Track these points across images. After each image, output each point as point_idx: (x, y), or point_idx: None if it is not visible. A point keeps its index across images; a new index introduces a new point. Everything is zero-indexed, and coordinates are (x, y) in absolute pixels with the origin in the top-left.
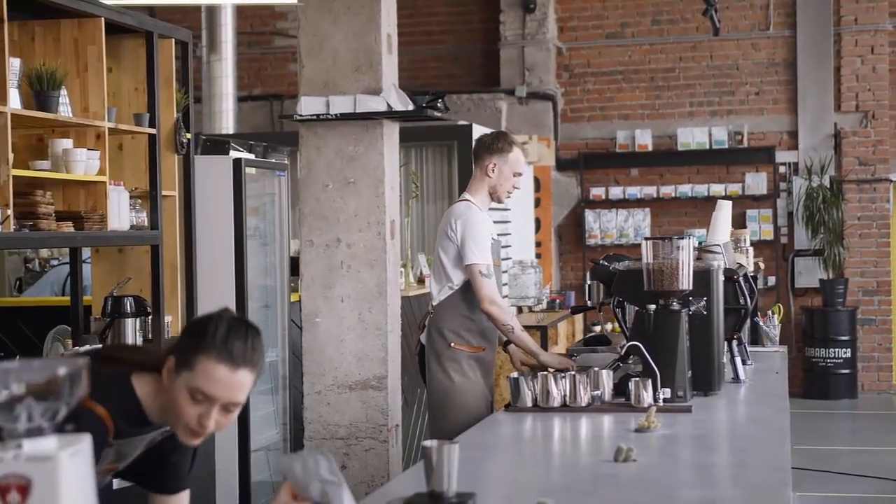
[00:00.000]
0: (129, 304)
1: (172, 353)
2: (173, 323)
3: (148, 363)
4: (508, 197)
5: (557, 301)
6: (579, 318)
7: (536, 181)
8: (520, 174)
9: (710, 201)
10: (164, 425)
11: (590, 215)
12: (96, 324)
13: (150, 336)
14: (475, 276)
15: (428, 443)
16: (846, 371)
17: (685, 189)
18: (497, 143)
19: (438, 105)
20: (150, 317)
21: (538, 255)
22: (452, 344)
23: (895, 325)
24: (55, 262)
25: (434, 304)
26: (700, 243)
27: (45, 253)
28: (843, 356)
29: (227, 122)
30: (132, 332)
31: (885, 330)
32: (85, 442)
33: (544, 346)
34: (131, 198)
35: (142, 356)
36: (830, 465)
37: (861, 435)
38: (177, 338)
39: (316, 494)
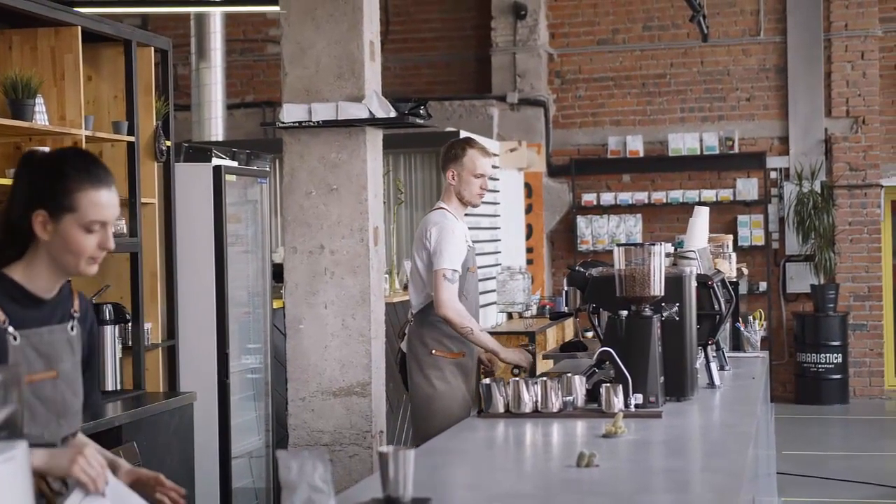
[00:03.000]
0: (108, 312)
1: (36, 207)
2: (153, 330)
3: (8, 256)
4: (481, 198)
5: (548, 307)
6: (570, 323)
7: (528, 187)
8: (482, 175)
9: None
10: (58, 299)
11: (581, 221)
12: None
13: (129, 343)
14: (438, 280)
15: (383, 449)
16: (837, 376)
17: (676, 195)
18: (451, 150)
19: (421, 112)
20: (129, 324)
21: (530, 262)
22: (434, 351)
23: (886, 330)
24: None
25: (414, 312)
26: (676, 249)
27: None
28: (835, 361)
29: (216, 129)
30: (111, 339)
31: (877, 335)
32: (19, 449)
33: (532, 354)
34: None
35: None
36: (821, 471)
37: (852, 440)
38: (22, 197)
39: (299, 501)
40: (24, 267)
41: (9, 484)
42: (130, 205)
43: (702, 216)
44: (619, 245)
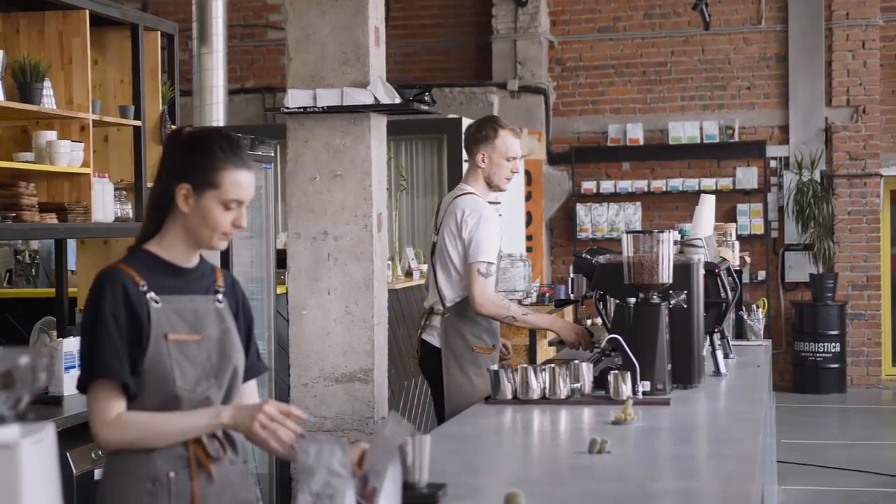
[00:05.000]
0: None
1: (181, 181)
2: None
3: (148, 232)
4: (508, 182)
5: (548, 295)
6: (570, 311)
7: (528, 175)
8: (513, 158)
9: (700, 196)
10: (200, 272)
11: (581, 209)
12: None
13: None
14: (472, 275)
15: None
16: (835, 365)
17: (676, 183)
18: (481, 131)
19: (425, 98)
20: None
21: (529, 249)
22: (475, 348)
23: (884, 319)
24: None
25: (447, 304)
26: (682, 237)
27: (35, 244)
28: (833, 350)
29: (217, 114)
30: None
31: (875, 324)
32: (48, 431)
33: (533, 340)
34: (116, 190)
35: (141, 234)
36: (819, 459)
37: (850, 429)
38: (167, 171)
39: (317, 485)
40: (159, 240)
41: (39, 464)
42: (136, 189)
43: (708, 204)
44: (627, 232)
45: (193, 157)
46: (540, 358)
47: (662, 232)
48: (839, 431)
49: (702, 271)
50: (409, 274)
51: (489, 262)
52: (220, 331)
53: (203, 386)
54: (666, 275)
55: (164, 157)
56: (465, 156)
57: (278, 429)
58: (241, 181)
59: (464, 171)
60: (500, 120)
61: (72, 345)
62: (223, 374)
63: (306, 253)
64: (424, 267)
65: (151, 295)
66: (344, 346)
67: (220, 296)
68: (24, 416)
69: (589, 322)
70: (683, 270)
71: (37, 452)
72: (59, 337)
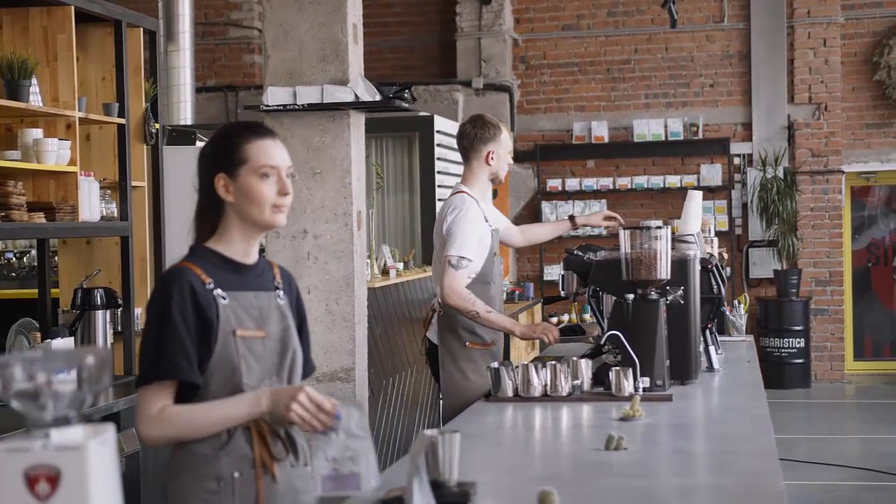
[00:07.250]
0: (99, 296)
1: (216, 173)
2: (143, 315)
3: (204, 232)
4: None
5: (516, 293)
6: (538, 308)
7: None
8: (510, 152)
9: (665, 193)
10: (260, 269)
11: (546, 207)
12: (64, 316)
13: (119, 328)
14: (444, 266)
15: (429, 432)
16: (800, 360)
17: (641, 181)
18: (487, 130)
19: (405, 96)
20: (120, 309)
21: None
22: (468, 343)
23: (847, 314)
24: (10, 255)
25: (440, 302)
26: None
27: None
28: (797, 346)
29: (185, 112)
30: (102, 324)
31: (838, 320)
32: (110, 432)
33: (507, 337)
34: (101, 188)
35: (197, 234)
36: (786, 454)
37: (815, 423)
38: (202, 174)
39: (335, 451)
40: (217, 238)
41: (104, 465)
42: (121, 188)
43: (695, 200)
44: (625, 228)
45: (218, 148)
46: (513, 356)
47: (660, 227)
48: (806, 426)
49: (697, 267)
50: (385, 272)
51: (461, 256)
52: (282, 328)
53: (266, 383)
54: (664, 271)
55: (198, 170)
56: (438, 154)
57: (311, 420)
58: (268, 149)
59: (436, 168)
60: (491, 116)
61: (60, 346)
62: (282, 372)
63: (286, 252)
64: (401, 265)
65: (218, 291)
66: (325, 346)
67: (280, 292)
68: (89, 417)
69: (555, 320)
70: (680, 266)
71: (102, 453)
72: (43, 339)
